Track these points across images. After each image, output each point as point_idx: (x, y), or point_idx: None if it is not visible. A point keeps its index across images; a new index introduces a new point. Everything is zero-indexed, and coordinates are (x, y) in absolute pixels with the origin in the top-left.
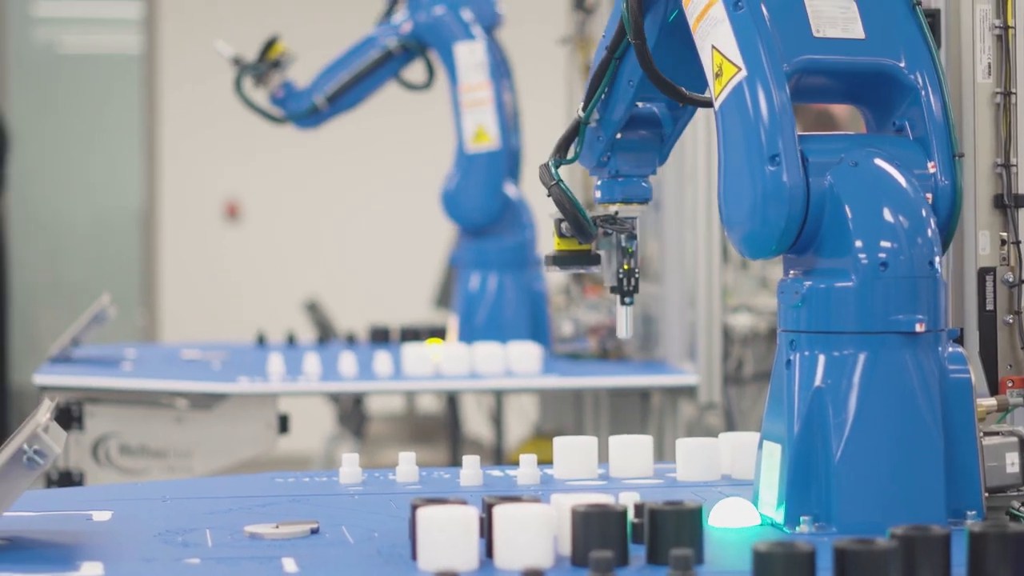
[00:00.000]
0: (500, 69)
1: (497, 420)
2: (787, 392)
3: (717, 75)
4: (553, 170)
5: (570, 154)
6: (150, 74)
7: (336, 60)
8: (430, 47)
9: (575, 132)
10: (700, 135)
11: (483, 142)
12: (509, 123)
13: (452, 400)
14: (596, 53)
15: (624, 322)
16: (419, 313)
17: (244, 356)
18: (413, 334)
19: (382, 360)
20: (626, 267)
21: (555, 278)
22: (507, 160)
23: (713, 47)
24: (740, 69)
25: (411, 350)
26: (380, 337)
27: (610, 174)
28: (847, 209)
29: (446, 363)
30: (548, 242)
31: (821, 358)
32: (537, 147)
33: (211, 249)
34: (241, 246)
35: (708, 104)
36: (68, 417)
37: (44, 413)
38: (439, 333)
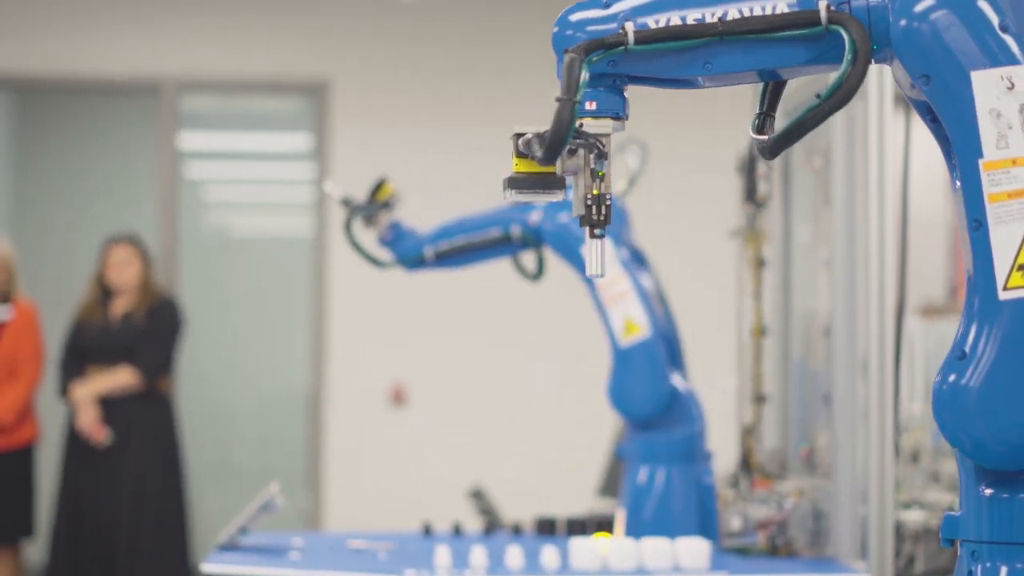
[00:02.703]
0: (633, 258)
1: None
2: None
3: (1022, 268)
4: (584, 77)
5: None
6: (320, 257)
7: (459, 222)
8: (546, 244)
9: (612, 47)
10: (873, 328)
11: (634, 333)
12: (656, 309)
13: None
14: None
15: (595, 258)
16: (583, 501)
17: (410, 546)
18: (580, 527)
19: (549, 554)
20: (595, 192)
21: (721, 470)
22: (663, 346)
23: None
24: None
25: (578, 544)
26: (546, 529)
27: (605, 85)
28: None
29: (613, 558)
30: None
31: (1003, 569)
32: (703, 336)
33: (377, 434)
34: (407, 431)
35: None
36: None
37: None
38: (606, 525)
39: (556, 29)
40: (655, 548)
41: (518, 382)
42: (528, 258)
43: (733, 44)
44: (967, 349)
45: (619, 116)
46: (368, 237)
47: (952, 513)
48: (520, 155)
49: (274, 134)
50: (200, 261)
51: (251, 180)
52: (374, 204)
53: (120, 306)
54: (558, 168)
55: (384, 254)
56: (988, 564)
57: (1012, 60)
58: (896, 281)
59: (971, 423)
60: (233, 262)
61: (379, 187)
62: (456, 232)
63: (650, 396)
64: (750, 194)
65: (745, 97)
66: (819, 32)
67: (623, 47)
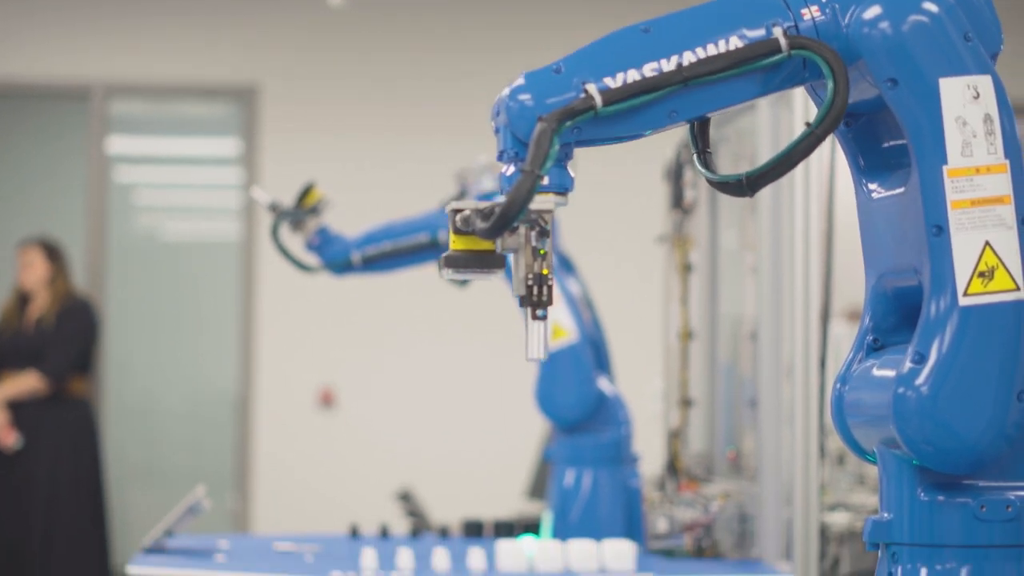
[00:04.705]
0: (561, 264)
1: None
2: None
3: (982, 275)
4: (555, 149)
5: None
6: (248, 261)
7: (386, 227)
8: None
9: (582, 113)
10: (798, 332)
11: (561, 337)
12: (583, 314)
13: None
14: (644, 32)
15: (536, 340)
16: (512, 503)
17: (337, 548)
18: (507, 528)
19: (475, 556)
20: (543, 271)
21: (648, 473)
22: (591, 351)
23: (988, 245)
24: (1019, 288)
25: (505, 546)
26: (474, 531)
27: (559, 159)
28: None
29: (540, 560)
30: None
31: (923, 571)
32: (631, 340)
33: (305, 436)
34: (335, 433)
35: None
36: None
37: None
38: (533, 527)
39: (509, 104)
40: (581, 550)
41: (446, 385)
42: None
43: (697, 88)
44: (925, 353)
45: (564, 191)
46: (296, 242)
47: (876, 518)
48: (457, 232)
49: (203, 138)
50: (128, 265)
51: (180, 184)
52: (301, 209)
53: (35, 310)
54: (497, 246)
55: (311, 259)
56: (908, 566)
57: (978, 70)
58: (821, 285)
59: (929, 427)
60: (161, 266)
61: (307, 192)
62: (383, 237)
63: (577, 400)
64: (677, 200)
65: None
66: (782, 59)
67: (593, 111)
